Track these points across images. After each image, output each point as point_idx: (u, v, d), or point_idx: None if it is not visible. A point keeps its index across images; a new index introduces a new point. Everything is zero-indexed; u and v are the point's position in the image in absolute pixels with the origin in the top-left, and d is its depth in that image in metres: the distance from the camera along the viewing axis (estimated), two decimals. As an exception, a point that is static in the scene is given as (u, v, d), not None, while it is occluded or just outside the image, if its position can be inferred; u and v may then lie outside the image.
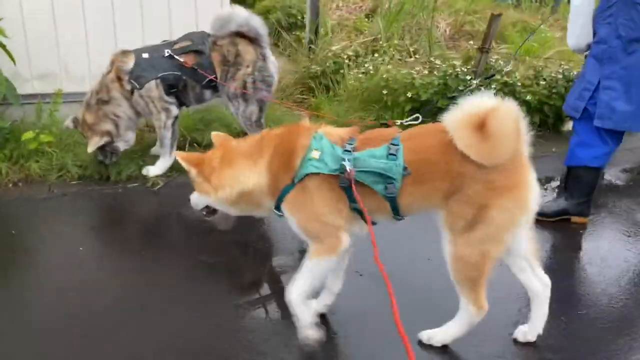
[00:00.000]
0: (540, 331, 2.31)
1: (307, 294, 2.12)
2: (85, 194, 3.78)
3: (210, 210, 2.39)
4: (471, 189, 1.92)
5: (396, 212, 2.04)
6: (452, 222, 2.00)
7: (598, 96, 3.26)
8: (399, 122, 2.62)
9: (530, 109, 4.88)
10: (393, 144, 1.97)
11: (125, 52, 3.83)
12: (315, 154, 1.99)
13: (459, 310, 2.15)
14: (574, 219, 3.54)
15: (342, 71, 5.35)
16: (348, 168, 1.93)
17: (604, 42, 3.22)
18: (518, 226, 1.99)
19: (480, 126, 1.84)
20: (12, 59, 4.00)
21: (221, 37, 3.80)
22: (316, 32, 5.73)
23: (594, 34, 3.29)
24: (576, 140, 3.47)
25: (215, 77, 3.80)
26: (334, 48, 5.67)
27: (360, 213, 1.99)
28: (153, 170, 3.95)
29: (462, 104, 1.90)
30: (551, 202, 3.65)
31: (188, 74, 3.77)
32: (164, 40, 3.96)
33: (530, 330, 2.31)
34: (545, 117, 5.13)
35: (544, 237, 3.30)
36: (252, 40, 3.82)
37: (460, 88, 4.62)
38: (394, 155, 1.95)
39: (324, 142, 2.02)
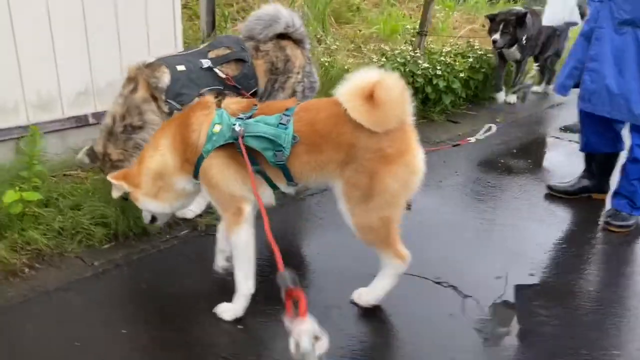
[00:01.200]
0: (375, 301, 2.43)
1: (249, 276, 2.31)
2: (128, 262, 2.84)
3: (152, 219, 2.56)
4: (364, 157, 2.05)
5: (289, 179, 2.18)
6: (348, 192, 2.13)
7: (582, 78, 3.32)
8: (473, 139, 2.67)
9: (462, 84, 5.29)
10: (285, 115, 2.08)
11: (153, 65, 2.96)
12: (217, 128, 2.10)
13: (383, 266, 2.32)
14: (595, 195, 3.78)
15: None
16: (237, 129, 2.06)
17: (595, 21, 3.25)
18: (412, 189, 2.14)
19: (370, 96, 1.99)
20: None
21: (264, 41, 3.21)
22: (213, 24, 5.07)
23: (582, 15, 3.57)
24: (584, 129, 3.62)
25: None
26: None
27: (264, 176, 2.17)
28: (193, 208, 3.17)
29: (352, 78, 2.08)
30: (574, 181, 3.83)
31: (231, 87, 3.09)
32: (188, 47, 3.18)
33: (367, 293, 2.45)
34: (475, 91, 5.64)
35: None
36: (297, 42, 3.32)
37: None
38: (284, 124, 2.06)
39: (223, 116, 2.15)
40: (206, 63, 3.03)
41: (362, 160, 2.08)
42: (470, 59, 5.50)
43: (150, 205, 2.42)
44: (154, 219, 2.58)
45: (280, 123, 2.09)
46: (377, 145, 2.05)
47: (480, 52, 5.64)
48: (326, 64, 4.96)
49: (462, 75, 5.33)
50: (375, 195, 2.10)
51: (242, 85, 3.09)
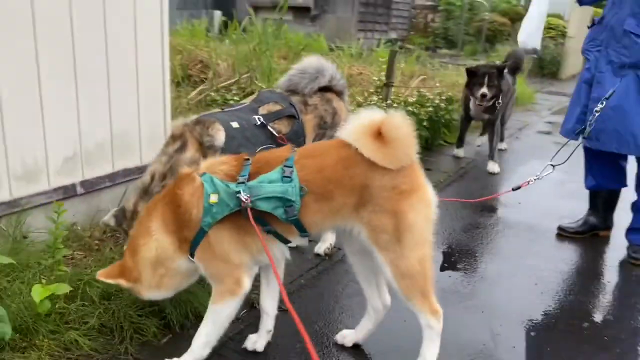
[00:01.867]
0: (360, 342, 2.46)
1: (211, 344, 2.18)
2: None
3: None
4: (381, 196, 1.99)
5: (302, 231, 2.06)
6: (376, 237, 2.03)
7: (587, 118, 3.46)
8: (534, 179, 2.87)
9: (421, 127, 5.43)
10: (287, 166, 1.98)
11: (205, 122, 2.58)
12: (214, 198, 1.96)
13: (424, 330, 2.17)
14: (602, 233, 3.95)
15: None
16: (243, 198, 1.91)
17: (595, 67, 3.48)
18: (432, 223, 2.10)
19: (378, 134, 1.98)
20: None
21: (309, 95, 2.98)
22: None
23: (587, 60, 3.71)
24: (588, 165, 3.81)
25: None
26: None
27: (274, 233, 2.05)
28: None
29: (357, 118, 2.06)
30: (582, 220, 3.97)
31: (281, 145, 2.80)
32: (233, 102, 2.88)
33: (351, 335, 2.48)
34: (433, 132, 5.78)
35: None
36: (339, 94, 3.14)
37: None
38: (289, 177, 1.95)
39: (216, 183, 1.98)
40: (259, 120, 2.72)
41: (379, 200, 1.99)
42: (430, 109, 5.64)
43: (155, 295, 2.22)
44: None
45: (284, 176, 1.96)
46: (392, 182, 1.99)
47: (436, 102, 5.81)
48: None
49: (424, 124, 5.43)
50: (403, 234, 2.01)
51: (293, 143, 2.81)
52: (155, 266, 2.11)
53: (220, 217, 1.97)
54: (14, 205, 2.90)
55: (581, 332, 2.75)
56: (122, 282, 2.15)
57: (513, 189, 2.99)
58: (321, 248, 3.35)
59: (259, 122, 2.72)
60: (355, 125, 2.03)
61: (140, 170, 3.61)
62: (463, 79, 8.44)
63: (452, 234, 3.91)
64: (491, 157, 5.56)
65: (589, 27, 3.77)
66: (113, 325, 2.37)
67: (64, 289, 2.30)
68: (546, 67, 14.27)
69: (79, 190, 3.25)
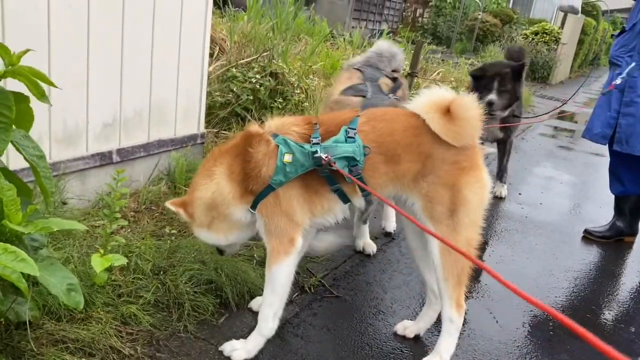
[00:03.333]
0: (421, 332, 2.44)
1: (278, 315, 2.15)
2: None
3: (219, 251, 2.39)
4: (442, 169, 2.06)
5: (364, 191, 2.11)
6: (431, 209, 2.09)
7: (618, 122, 3.61)
8: None
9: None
10: (351, 128, 2.07)
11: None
12: (288, 158, 2.02)
13: (443, 323, 2.15)
14: (627, 238, 3.99)
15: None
16: (324, 156, 1.98)
17: (628, 73, 3.55)
18: (485, 206, 2.15)
19: (447, 111, 2.05)
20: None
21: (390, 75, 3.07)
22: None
23: (617, 66, 3.78)
24: (613, 169, 3.87)
25: None
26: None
27: (339, 193, 2.10)
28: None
29: (428, 93, 2.13)
30: (608, 225, 4.00)
31: None
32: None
33: (412, 326, 2.45)
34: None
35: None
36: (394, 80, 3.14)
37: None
38: (352, 138, 2.05)
39: (291, 144, 2.05)
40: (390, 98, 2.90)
41: (439, 172, 2.06)
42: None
43: (204, 236, 2.21)
44: (220, 251, 2.38)
45: (348, 137, 2.05)
46: (454, 157, 2.06)
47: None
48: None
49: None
50: (457, 209, 2.06)
51: None
52: (209, 207, 2.14)
53: (293, 177, 2.03)
54: (53, 169, 2.75)
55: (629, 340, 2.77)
56: (182, 212, 2.18)
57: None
58: (390, 226, 3.46)
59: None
60: (427, 99, 2.10)
61: (174, 142, 3.49)
62: (465, 76, 8.48)
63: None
64: (500, 177, 4.66)
65: (614, 36, 3.84)
66: (169, 301, 2.27)
67: (121, 260, 2.18)
68: (538, 71, 14.44)
69: (115, 158, 3.11)
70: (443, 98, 2.08)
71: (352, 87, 2.91)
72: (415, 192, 2.11)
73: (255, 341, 2.11)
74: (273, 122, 2.15)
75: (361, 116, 2.13)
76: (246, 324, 2.31)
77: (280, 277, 2.07)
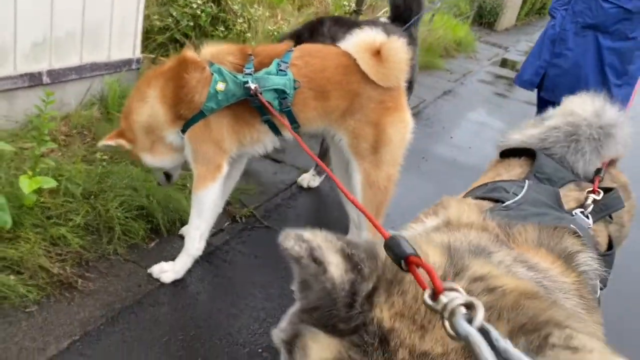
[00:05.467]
0: None
1: (204, 236, 2.25)
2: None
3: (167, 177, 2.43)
4: (368, 108, 2.15)
5: (295, 123, 2.17)
6: (357, 145, 2.19)
7: (547, 72, 3.73)
8: None
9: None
10: (283, 61, 2.11)
11: None
12: (221, 87, 2.05)
13: None
14: None
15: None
16: (253, 86, 2.01)
17: (560, 25, 3.62)
18: (406, 145, 2.27)
19: (377, 52, 2.12)
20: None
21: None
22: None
23: (553, 18, 3.87)
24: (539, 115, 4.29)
25: None
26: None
27: (270, 124, 2.17)
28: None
29: (360, 34, 2.20)
30: None
31: None
32: None
33: None
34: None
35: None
36: None
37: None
38: (284, 71, 2.09)
39: (225, 73, 2.06)
40: None
41: (366, 110, 2.15)
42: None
43: (152, 161, 2.27)
44: (168, 177, 2.42)
45: (280, 70, 2.08)
46: (380, 97, 2.15)
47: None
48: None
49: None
50: (380, 147, 2.18)
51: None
52: (147, 131, 2.16)
53: (224, 105, 2.06)
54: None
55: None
56: (123, 143, 2.18)
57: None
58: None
59: None
60: (359, 40, 2.16)
61: (108, 66, 3.41)
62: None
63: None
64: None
65: None
66: (99, 225, 2.31)
67: (50, 183, 2.19)
68: (485, 17, 14.58)
69: (45, 79, 3.01)
70: (374, 40, 2.14)
71: None
72: (343, 129, 2.20)
73: (183, 262, 2.21)
74: (209, 50, 2.15)
75: (295, 51, 2.16)
76: (176, 249, 2.39)
77: (206, 202, 2.16)
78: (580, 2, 3.59)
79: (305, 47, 2.28)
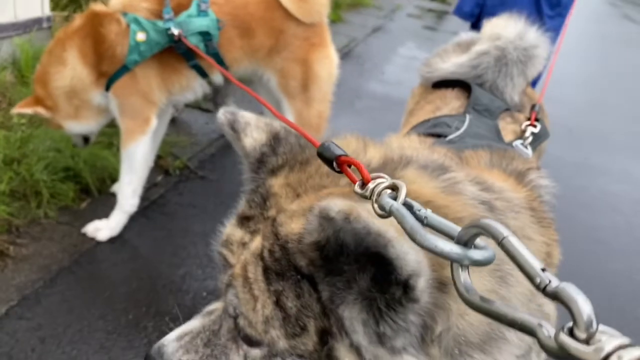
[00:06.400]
0: None
1: (137, 192, 2.21)
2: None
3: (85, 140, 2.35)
4: (294, 45, 2.17)
5: (222, 66, 2.12)
6: (286, 84, 2.20)
7: (485, 2, 3.88)
8: None
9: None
10: (203, 2, 2.04)
11: None
12: (141, 37, 1.97)
13: None
14: None
15: None
16: (176, 32, 1.95)
17: None
18: (334, 80, 2.29)
19: None
20: None
21: None
22: None
23: None
24: None
25: None
26: None
27: (197, 69, 2.12)
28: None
29: None
30: None
31: None
32: None
33: None
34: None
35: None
36: None
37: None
38: (205, 12, 2.03)
39: (143, 22, 1.98)
40: None
41: (292, 47, 2.16)
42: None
43: (76, 127, 2.20)
44: (86, 140, 2.36)
45: (201, 11, 2.03)
46: (304, 34, 2.17)
47: None
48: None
49: None
50: (309, 84, 2.21)
51: None
52: (70, 96, 2.07)
53: (149, 55, 1.99)
54: None
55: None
56: (41, 111, 2.08)
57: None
58: None
59: None
60: None
61: (16, 27, 3.22)
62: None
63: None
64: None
65: None
66: (26, 190, 2.25)
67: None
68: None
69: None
70: None
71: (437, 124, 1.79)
72: (271, 68, 2.20)
73: (118, 219, 2.19)
74: (119, 0, 2.05)
75: None
76: (110, 207, 2.35)
77: (137, 156, 2.13)
78: None
79: None
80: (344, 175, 0.68)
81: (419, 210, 0.55)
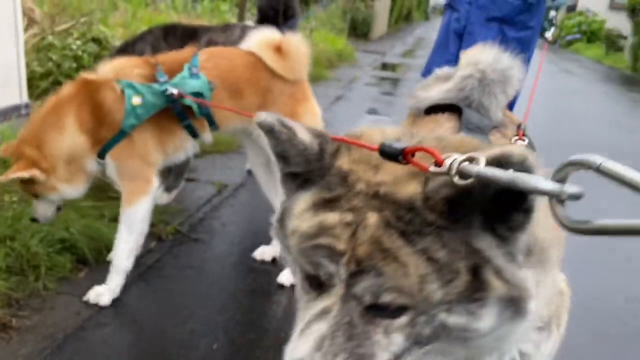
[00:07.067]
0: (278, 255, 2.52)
1: (133, 252, 2.20)
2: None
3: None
4: (281, 101, 2.31)
5: (213, 126, 2.26)
6: None
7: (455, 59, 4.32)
8: None
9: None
10: (194, 65, 2.17)
11: None
12: (137, 101, 2.05)
13: None
14: None
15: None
16: (175, 91, 2.05)
17: (466, 19, 3.66)
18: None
19: (278, 48, 2.29)
20: None
21: None
22: None
23: (454, 11, 3.85)
24: None
25: None
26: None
27: (189, 129, 2.21)
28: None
29: (259, 34, 2.39)
30: None
31: None
32: None
33: (269, 250, 2.62)
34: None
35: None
36: None
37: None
38: (197, 75, 2.15)
39: (138, 87, 2.06)
40: None
41: (279, 104, 2.29)
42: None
43: (67, 191, 2.18)
44: (59, 209, 2.32)
45: (193, 74, 2.15)
46: (289, 90, 2.34)
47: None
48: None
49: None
50: None
51: None
52: (69, 161, 2.10)
53: (146, 117, 2.07)
54: None
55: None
56: (37, 173, 2.06)
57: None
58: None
59: None
60: (259, 39, 2.33)
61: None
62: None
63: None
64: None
65: None
66: (22, 265, 2.23)
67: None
68: (359, 28, 15.36)
69: None
70: (273, 37, 2.32)
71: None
72: None
73: (116, 280, 2.18)
74: (107, 68, 2.16)
75: (201, 54, 2.25)
76: (107, 275, 2.35)
77: (138, 216, 2.16)
78: None
79: (211, 50, 2.41)
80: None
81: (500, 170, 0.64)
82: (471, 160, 0.67)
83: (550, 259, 0.87)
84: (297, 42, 2.33)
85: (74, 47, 4.77)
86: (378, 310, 0.74)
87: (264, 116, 0.83)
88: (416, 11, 22.95)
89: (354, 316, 0.74)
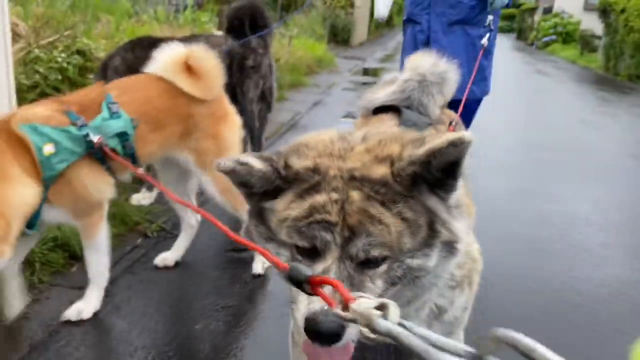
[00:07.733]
0: (180, 259, 2.65)
1: (107, 265, 2.20)
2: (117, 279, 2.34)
3: None
4: (204, 124, 2.25)
5: (136, 163, 2.10)
6: (202, 160, 2.27)
7: None
8: None
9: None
10: (111, 103, 2.01)
11: None
12: (49, 149, 1.81)
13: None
14: None
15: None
16: (95, 139, 1.89)
17: (428, 29, 3.72)
18: (239, 144, 2.42)
19: (188, 68, 2.19)
20: None
21: None
22: None
23: (416, 24, 3.94)
24: None
25: None
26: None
27: (109, 171, 2.05)
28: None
29: (162, 54, 2.24)
30: None
31: None
32: None
33: (171, 255, 2.66)
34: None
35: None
36: None
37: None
38: (117, 113, 2.00)
39: (49, 131, 1.84)
40: None
41: (202, 126, 2.25)
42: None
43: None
44: None
45: (113, 113, 2.00)
46: (209, 110, 2.28)
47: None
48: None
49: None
50: (224, 152, 2.24)
51: None
52: (24, 216, 1.84)
53: (63, 168, 1.86)
54: None
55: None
56: None
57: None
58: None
59: None
60: (165, 60, 2.22)
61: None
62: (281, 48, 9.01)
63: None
64: None
65: None
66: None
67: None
68: (339, 35, 15.65)
69: None
70: (178, 55, 2.20)
71: None
72: (185, 150, 2.27)
73: (96, 294, 2.20)
74: (18, 114, 1.95)
75: (111, 89, 2.10)
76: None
77: (102, 241, 2.13)
78: (440, 3, 3.76)
79: (119, 83, 2.25)
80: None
81: (411, 328, 0.58)
82: (382, 308, 0.62)
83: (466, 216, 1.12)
84: (203, 55, 2.25)
85: (59, 59, 4.97)
86: (365, 264, 0.98)
87: (223, 162, 1.06)
88: (397, 17, 23.29)
89: (350, 271, 0.97)
